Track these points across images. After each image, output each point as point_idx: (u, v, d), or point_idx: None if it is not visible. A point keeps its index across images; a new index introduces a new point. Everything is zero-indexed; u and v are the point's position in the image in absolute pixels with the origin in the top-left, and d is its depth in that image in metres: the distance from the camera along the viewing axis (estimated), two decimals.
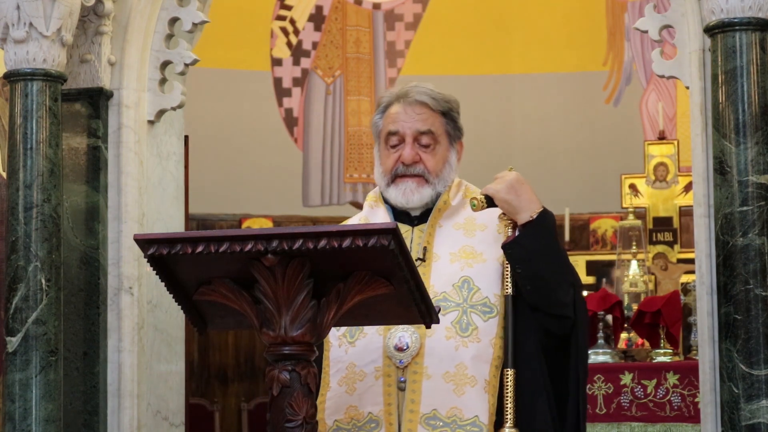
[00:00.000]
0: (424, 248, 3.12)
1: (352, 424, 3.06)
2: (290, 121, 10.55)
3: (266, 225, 9.86)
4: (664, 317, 6.13)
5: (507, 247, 3.05)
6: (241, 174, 10.16)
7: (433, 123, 3.14)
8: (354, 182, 10.63)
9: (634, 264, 7.73)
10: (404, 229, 3.15)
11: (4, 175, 4.56)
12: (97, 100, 4.64)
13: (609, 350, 6.25)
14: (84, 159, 4.63)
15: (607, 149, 10.20)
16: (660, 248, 8.90)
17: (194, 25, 4.76)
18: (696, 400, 5.61)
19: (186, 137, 5.32)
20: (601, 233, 9.99)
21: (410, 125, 3.13)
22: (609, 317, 6.29)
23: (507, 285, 3.06)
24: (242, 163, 10.19)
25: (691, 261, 5.45)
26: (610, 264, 8.87)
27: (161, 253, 2.65)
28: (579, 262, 8.91)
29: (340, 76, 10.69)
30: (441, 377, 3.02)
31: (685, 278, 8.32)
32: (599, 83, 10.51)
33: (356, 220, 3.28)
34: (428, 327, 2.81)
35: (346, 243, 2.55)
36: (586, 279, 8.74)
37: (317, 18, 10.66)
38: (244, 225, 9.91)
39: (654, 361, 6.10)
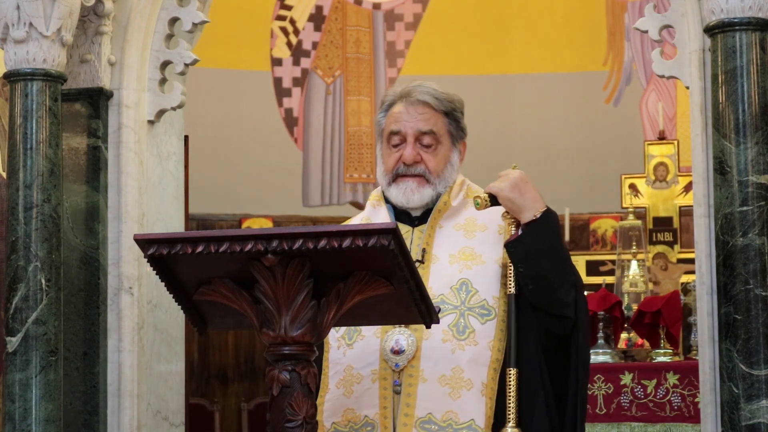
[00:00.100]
0: (423, 250, 3.11)
1: (350, 426, 3.06)
2: (290, 121, 10.55)
3: (266, 225, 9.86)
4: (664, 317, 6.13)
5: (510, 246, 3.04)
6: (241, 174, 10.16)
7: (435, 123, 3.13)
8: (354, 182, 10.63)
9: (634, 264, 7.73)
10: (404, 229, 3.14)
11: (4, 175, 4.56)
12: (97, 100, 4.64)
13: (609, 350, 6.25)
14: (84, 159, 4.63)
15: (607, 149, 10.20)
16: (660, 248, 8.90)
17: (194, 25, 4.76)
18: (696, 400, 5.60)
19: (186, 137, 5.32)
20: (601, 233, 9.99)
21: (412, 125, 3.12)
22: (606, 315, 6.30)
23: (510, 284, 3.05)
24: (242, 163, 10.19)
25: (691, 261, 5.45)
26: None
27: (161, 253, 2.65)
28: (579, 262, 8.91)
29: (340, 76, 10.69)
30: (437, 381, 3.01)
31: (685, 278, 8.32)
32: (599, 83, 10.51)
33: (358, 219, 3.27)
34: (428, 327, 2.81)
35: (346, 243, 2.55)
36: (586, 279, 8.73)
37: (317, 18, 10.66)
38: (244, 225, 9.91)
39: (654, 361, 6.10)
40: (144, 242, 2.67)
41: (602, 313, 6.21)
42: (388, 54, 10.77)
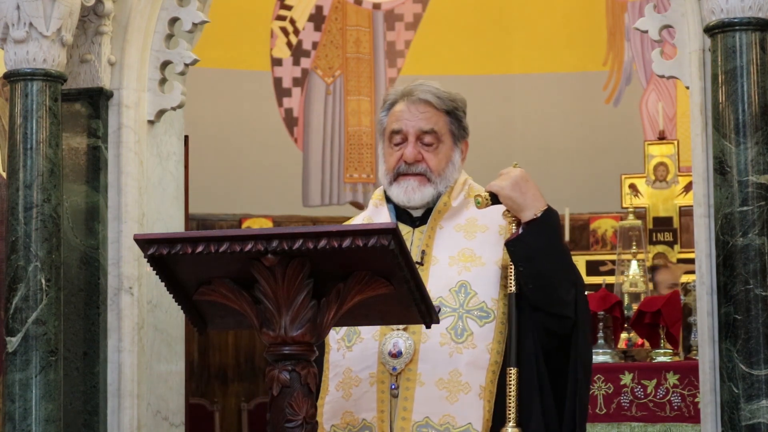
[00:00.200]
0: (423, 251, 3.11)
1: (348, 429, 3.05)
2: (290, 121, 10.55)
3: (266, 225, 9.86)
4: (664, 317, 6.12)
5: (510, 245, 3.03)
6: (241, 174, 10.16)
7: (436, 122, 3.13)
8: (354, 182, 10.63)
9: (634, 264, 7.73)
10: (405, 230, 3.13)
11: (4, 175, 4.56)
12: (97, 100, 4.64)
13: (609, 350, 6.25)
14: (84, 159, 4.63)
15: (607, 149, 10.20)
16: (660, 248, 8.90)
17: (194, 25, 4.76)
18: (696, 400, 5.60)
19: (186, 137, 5.32)
20: (601, 233, 9.99)
21: (413, 124, 3.11)
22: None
23: (510, 283, 3.04)
24: (242, 163, 10.19)
25: (691, 261, 5.45)
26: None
27: (161, 253, 2.65)
28: (579, 262, 8.90)
29: (340, 76, 10.69)
30: (434, 384, 3.00)
31: (685, 278, 8.32)
32: (599, 83, 10.51)
33: (360, 219, 3.27)
34: (428, 327, 2.80)
35: (346, 243, 2.55)
36: (586, 279, 8.73)
37: (317, 18, 10.66)
38: (244, 225, 9.91)
39: (654, 361, 6.10)
40: (144, 242, 2.67)
41: (602, 313, 6.21)
42: (388, 54, 10.77)
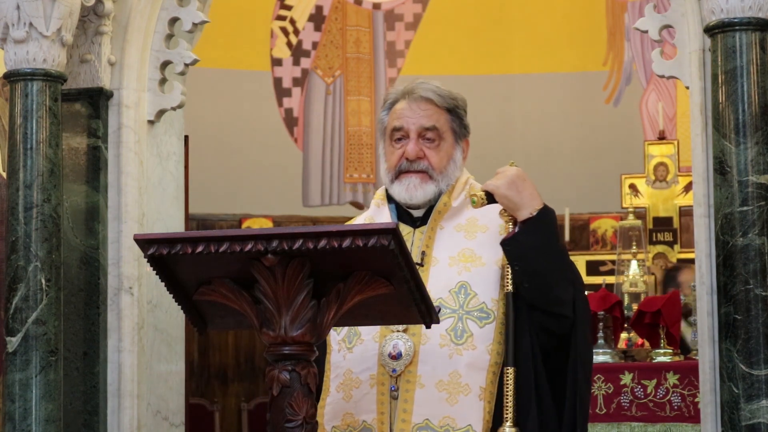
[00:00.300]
0: (423, 252, 3.10)
1: (349, 431, 3.05)
2: (290, 121, 10.55)
3: (266, 225, 9.86)
4: (664, 317, 6.12)
5: (505, 244, 3.03)
6: (241, 174, 10.15)
7: (437, 119, 3.13)
8: (354, 182, 10.63)
9: (634, 264, 7.73)
10: (406, 230, 3.13)
11: (4, 175, 4.56)
12: (97, 100, 4.64)
13: (609, 350, 6.25)
14: (84, 159, 4.63)
15: (607, 149, 10.20)
16: (660, 248, 8.90)
17: (194, 25, 4.76)
18: (696, 400, 5.60)
19: (186, 137, 5.32)
20: (601, 233, 9.99)
21: (414, 121, 3.11)
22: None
23: (508, 282, 3.03)
24: (242, 163, 10.19)
25: (691, 261, 5.45)
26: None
27: (161, 253, 2.65)
28: (579, 262, 8.90)
29: (340, 76, 10.69)
30: (434, 386, 2.99)
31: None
32: (599, 83, 10.51)
33: (362, 219, 3.27)
34: (428, 327, 2.80)
35: (346, 243, 2.55)
36: (586, 279, 8.73)
37: (317, 18, 10.66)
38: (244, 225, 9.91)
39: (654, 361, 6.10)
40: (144, 242, 2.67)
41: (602, 313, 6.21)
42: (388, 54, 10.77)
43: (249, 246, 2.59)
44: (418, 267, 3.02)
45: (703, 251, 4.21)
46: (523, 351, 3.02)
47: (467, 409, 2.98)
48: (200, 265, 2.66)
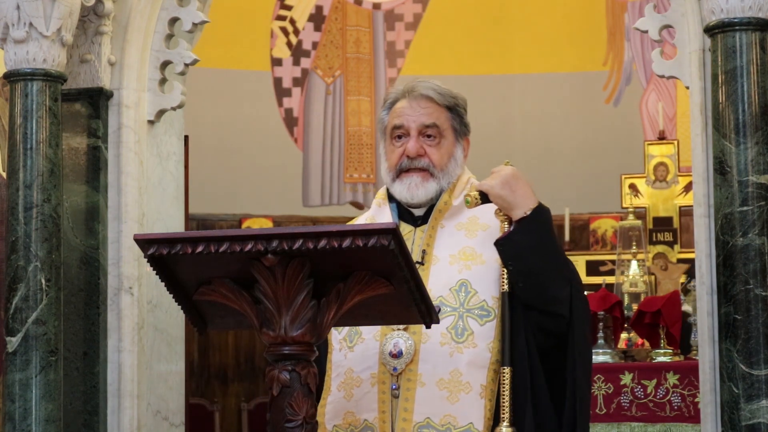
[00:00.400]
0: (423, 251, 3.10)
1: (350, 430, 3.04)
2: (290, 121, 10.55)
3: (266, 225, 9.86)
4: (664, 317, 6.13)
5: (499, 244, 3.03)
6: (241, 174, 10.16)
7: (438, 117, 3.13)
8: (354, 182, 10.63)
9: (634, 264, 7.73)
10: (407, 230, 3.14)
11: (4, 175, 4.56)
12: (97, 100, 4.64)
13: (609, 350, 6.25)
14: (84, 159, 4.63)
15: (607, 149, 10.20)
16: (660, 248, 8.90)
17: (194, 25, 4.76)
18: (696, 400, 5.60)
19: (186, 137, 5.32)
20: (601, 233, 9.99)
21: (415, 119, 3.12)
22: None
23: (503, 282, 3.03)
24: (242, 163, 10.19)
25: (691, 261, 5.45)
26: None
27: (161, 253, 2.65)
28: (579, 262, 8.91)
29: (340, 76, 10.69)
30: (435, 384, 2.99)
31: (685, 278, 8.32)
32: (599, 83, 10.51)
33: (363, 219, 3.27)
34: (428, 327, 2.80)
35: (346, 243, 2.55)
36: (586, 279, 8.73)
37: (317, 18, 10.66)
38: (244, 225, 9.91)
39: (654, 361, 6.10)
40: (144, 242, 2.67)
41: (602, 313, 6.21)
42: (388, 54, 10.77)
43: (249, 246, 2.59)
44: (418, 265, 3.03)
45: (703, 251, 4.21)
46: (519, 350, 3.02)
47: (468, 408, 2.98)
48: (200, 265, 2.66)
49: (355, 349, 3.08)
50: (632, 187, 9.19)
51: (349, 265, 2.63)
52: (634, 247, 7.88)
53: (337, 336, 3.11)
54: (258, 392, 9.55)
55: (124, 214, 4.61)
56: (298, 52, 10.59)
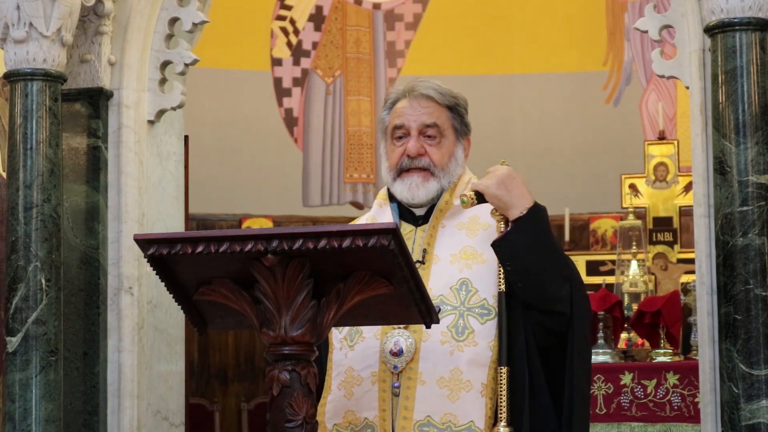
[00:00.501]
0: (424, 250, 3.11)
1: (350, 428, 3.05)
2: (290, 121, 10.55)
3: (266, 225, 9.86)
4: (664, 317, 6.13)
5: (496, 244, 3.03)
6: (241, 174, 10.16)
7: (438, 116, 3.13)
8: (354, 182, 10.63)
9: (634, 264, 7.73)
10: (408, 229, 3.14)
11: (4, 175, 4.56)
12: (97, 100, 4.64)
13: (609, 350, 6.25)
14: (84, 159, 4.64)
15: (607, 149, 10.20)
16: (660, 248, 8.90)
17: (194, 25, 4.76)
18: (696, 400, 5.61)
19: (186, 137, 5.32)
20: (601, 233, 9.99)
21: (415, 118, 3.12)
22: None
23: (500, 282, 3.03)
24: (242, 163, 10.19)
25: (691, 261, 5.45)
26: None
27: (161, 253, 2.65)
28: (579, 262, 8.90)
29: (340, 76, 10.69)
30: (435, 383, 2.99)
31: (685, 278, 8.32)
32: (599, 83, 10.51)
33: (365, 219, 3.27)
34: (428, 327, 2.80)
35: (346, 243, 2.55)
36: (586, 279, 8.72)
37: (317, 18, 10.66)
38: (244, 225, 9.91)
39: (654, 361, 6.10)
40: (144, 242, 2.67)
41: (602, 313, 6.21)
42: (388, 54, 10.77)
43: (249, 246, 2.59)
44: (419, 264, 3.03)
45: (703, 251, 4.21)
46: (518, 349, 3.02)
47: (469, 406, 2.98)
48: (200, 265, 2.66)
49: (355, 348, 3.08)
50: (632, 187, 9.19)
51: (349, 265, 2.63)
52: (634, 247, 7.88)
53: (338, 335, 3.11)
54: (258, 392, 9.55)
55: (124, 214, 4.61)
56: (298, 52, 10.59)
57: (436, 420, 2.98)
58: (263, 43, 10.50)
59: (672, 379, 5.83)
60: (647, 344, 6.51)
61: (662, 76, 4.41)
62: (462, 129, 3.18)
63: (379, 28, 10.79)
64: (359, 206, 10.40)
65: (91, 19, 4.63)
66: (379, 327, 3.05)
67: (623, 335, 6.80)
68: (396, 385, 3.01)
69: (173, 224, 4.91)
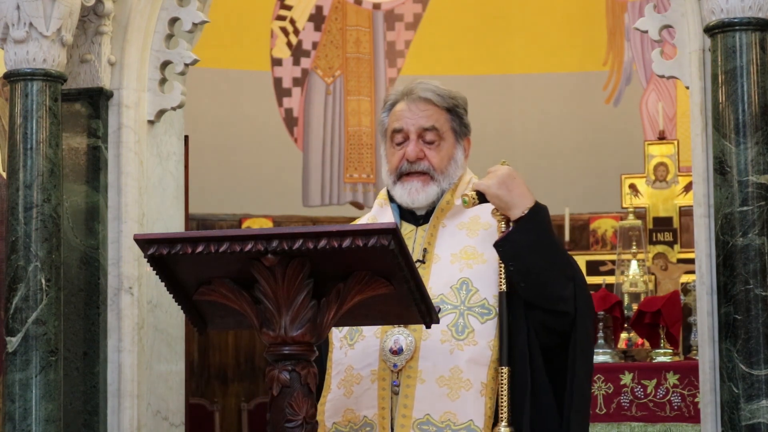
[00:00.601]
0: (425, 249, 3.11)
1: (349, 427, 3.05)
2: (290, 121, 10.55)
3: (266, 225, 9.86)
4: (664, 317, 6.13)
5: (498, 244, 3.03)
6: (241, 174, 10.16)
7: (437, 119, 3.13)
8: (354, 182, 10.63)
9: (634, 264, 7.73)
10: (409, 229, 3.14)
11: (4, 175, 4.56)
12: (97, 100, 4.64)
13: (609, 350, 6.25)
14: (84, 159, 4.64)
15: (607, 149, 10.20)
16: (660, 248, 8.90)
17: (194, 25, 4.76)
18: (696, 400, 5.61)
19: (186, 137, 5.32)
20: (601, 233, 9.99)
21: (414, 122, 3.12)
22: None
23: (501, 282, 3.03)
24: (242, 163, 10.19)
25: (691, 261, 5.45)
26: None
27: (161, 253, 2.65)
28: (579, 262, 8.87)
29: (340, 76, 10.69)
30: (435, 381, 2.99)
31: (685, 278, 8.32)
32: (599, 83, 10.51)
33: (366, 219, 3.28)
34: (428, 327, 2.80)
35: (346, 243, 2.55)
36: (586, 279, 8.70)
37: (317, 18, 10.66)
38: (244, 225, 9.91)
39: (654, 361, 6.10)
40: (144, 242, 2.67)
41: (602, 313, 6.21)
42: (388, 54, 10.77)
43: (249, 246, 2.59)
44: (419, 264, 3.04)
45: (703, 251, 4.21)
46: (519, 349, 3.02)
47: (468, 405, 2.98)
48: (200, 265, 2.66)
49: (355, 347, 3.08)
50: (632, 187, 9.19)
51: (349, 265, 2.63)
52: (634, 247, 7.88)
53: (338, 334, 3.11)
54: (258, 392, 9.55)
55: (124, 214, 4.61)
56: (298, 52, 10.59)
57: (435, 418, 2.98)
58: (263, 43, 10.50)
59: (672, 379, 5.83)
60: (647, 344, 6.51)
61: (662, 76, 4.41)
62: (461, 130, 3.18)
63: (379, 28, 10.79)
64: (359, 206, 10.40)
65: (91, 19, 4.63)
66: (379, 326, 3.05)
67: (623, 335, 6.80)
68: (396, 383, 3.02)
69: (173, 224, 4.91)
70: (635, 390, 5.86)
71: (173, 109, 4.79)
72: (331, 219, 10.06)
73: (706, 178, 4.19)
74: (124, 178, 4.63)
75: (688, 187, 8.84)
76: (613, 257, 8.80)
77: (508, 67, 10.51)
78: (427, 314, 2.75)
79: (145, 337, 4.66)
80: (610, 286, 7.71)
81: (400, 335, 3.03)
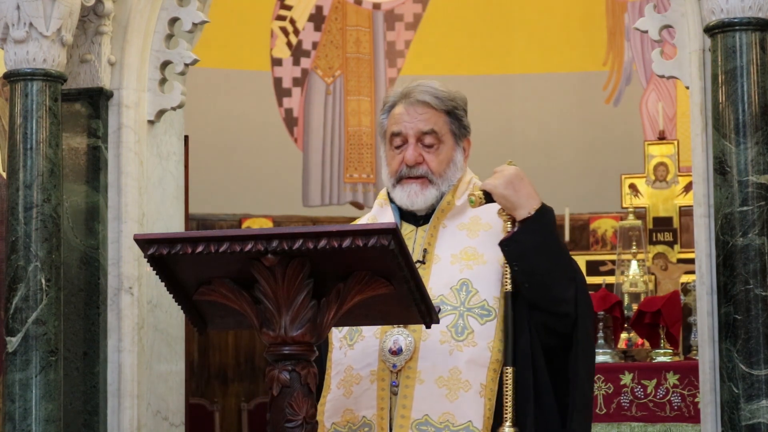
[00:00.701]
0: (425, 250, 3.11)
1: (348, 427, 3.05)
2: (290, 121, 10.55)
3: (266, 225, 9.86)
4: (664, 317, 6.13)
5: (504, 244, 3.03)
6: (241, 174, 10.16)
7: (436, 122, 3.12)
8: (354, 182, 10.63)
9: (634, 264, 7.73)
10: (409, 229, 3.14)
11: (4, 175, 4.56)
12: (97, 100, 4.64)
13: (609, 350, 6.25)
14: (84, 159, 4.64)
15: (607, 149, 10.20)
16: (660, 248, 8.90)
17: (194, 25, 4.76)
18: (696, 400, 5.61)
19: (186, 137, 5.32)
20: (601, 233, 9.99)
21: (412, 126, 3.11)
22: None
23: (506, 282, 3.03)
24: (242, 163, 10.19)
25: (691, 261, 5.45)
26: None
27: (161, 253, 2.65)
28: (579, 262, 8.87)
29: (340, 76, 10.69)
30: (434, 382, 2.99)
31: (685, 278, 8.32)
32: (599, 83, 10.51)
33: (366, 219, 3.28)
34: (428, 327, 2.80)
35: (346, 243, 2.55)
36: (586, 279, 8.70)
37: (317, 18, 10.66)
38: (244, 225, 9.91)
39: (654, 361, 6.10)
40: (144, 242, 2.67)
41: (602, 313, 6.21)
42: (388, 54, 10.77)
43: (249, 246, 2.59)
44: (420, 264, 3.03)
45: (703, 251, 4.21)
46: (521, 349, 3.02)
47: (467, 406, 2.98)
48: (200, 265, 2.66)
49: (355, 347, 3.08)
50: (632, 187, 9.19)
51: (349, 265, 2.63)
52: (634, 247, 7.88)
53: (338, 334, 3.11)
54: (258, 392, 9.55)
55: (124, 214, 4.61)
56: (298, 52, 10.60)
57: (434, 419, 2.98)
58: (263, 43, 10.50)
59: (672, 379, 5.83)
60: (647, 344, 6.51)
61: (662, 76, 4.41)
62: (461, 132, 3.17)
63: (379, 28, 10.79)
64: (359, 206, 10.40)
65: (91, 19, 4.63)
66: (378, 326, 3.05)
67: (623, 335, 6.80)
68: (395, 383, 3.01)
69: (173, 224, 4.91)
70: (635, 390, 5.86)
71: (173, 109, 4.79)
72: (331, 219, 10.06)
73: (706, 178, 4.19)
74: (124, 178, 4.63)
75: (688, 187, 8.84)
76: (613, 257, 8.80)
77: (508, 67, 10.51)
78: (427, 314, 2.75)
79: (145, 337, 4.66)
80: (610, 286, 7.71)
81: (399, 336, 3.03)
